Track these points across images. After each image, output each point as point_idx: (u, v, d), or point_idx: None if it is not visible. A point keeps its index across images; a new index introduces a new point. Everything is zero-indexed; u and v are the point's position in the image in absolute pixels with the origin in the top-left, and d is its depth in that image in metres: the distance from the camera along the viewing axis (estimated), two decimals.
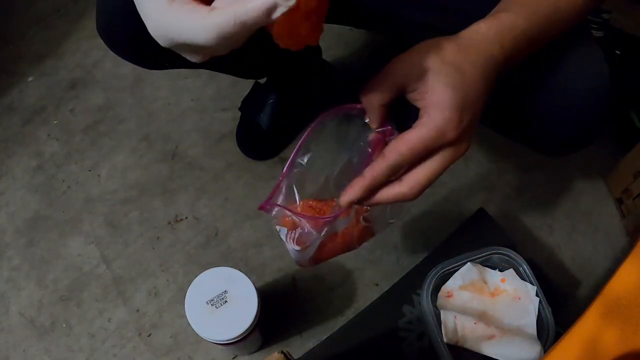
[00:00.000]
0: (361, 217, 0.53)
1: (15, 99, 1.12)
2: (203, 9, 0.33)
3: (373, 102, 0.44)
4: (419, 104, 0.43)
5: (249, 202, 0.99)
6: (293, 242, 0.51)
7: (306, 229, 0.50)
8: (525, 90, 0.60)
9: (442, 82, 0.42)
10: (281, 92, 1.00)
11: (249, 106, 1.02)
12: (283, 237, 0.52)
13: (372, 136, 0.46)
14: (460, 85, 0.43)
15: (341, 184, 0.48)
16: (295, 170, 0.48)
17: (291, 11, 0.32)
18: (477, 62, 0.44)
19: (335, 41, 1.14)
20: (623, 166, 0.97)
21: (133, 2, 0.37)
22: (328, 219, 0.48)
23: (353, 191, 0.45)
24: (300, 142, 0.47)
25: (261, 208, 0.48)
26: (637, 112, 1.00)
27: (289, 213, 0.49)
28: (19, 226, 0.99)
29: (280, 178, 0.48)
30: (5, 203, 1.01)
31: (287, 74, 0.97)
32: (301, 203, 0.50)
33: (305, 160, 0.48)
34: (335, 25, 0.89)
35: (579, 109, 0.59)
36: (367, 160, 0.45)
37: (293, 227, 0.50)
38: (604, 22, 1.02)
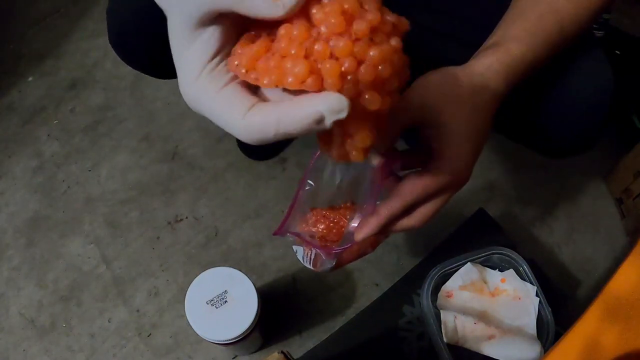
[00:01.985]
0: None
1: (15, 99, 1.12)
2: (244, 102, 0.29)
3: (388, 137, 0.44)
4: (433, 145, 0.44)
5: (249, 202, 0.99)
6: (309, 263, 0.53)
7: (321, 254, 0.51)
8: (530, 95, 0.60)
9: (462, 130, 0.43)
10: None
11: None
12: (299, 257, 0.53)
13: (377, 161, 0.44)
14: (476, 131, 0.44)
15: (354, 189, 0.49)
16: (306, 189, 0.48)
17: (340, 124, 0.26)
18: (490, 104, 0.45)
19: None
20: (623, 166, 0.97)
21: (143, 14, 0.35)
22: (339, 251, 0.49)
23: (369, 229, 0.46)
24: (309, 165, 0.48)
25: (275, 234, 0.49)
26: (637, 112, 1.00)
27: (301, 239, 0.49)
28: (19, 226, 0.99)
29: (292, 203, 0.49)
30: (5, 203, 1.01)
31: None
32: (314, 212, 0.50)
33: (314, 181, 0.48)
34: None
35: (583, 114, 0.59)
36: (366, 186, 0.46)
37: (309, 246, 0.51)
38: (604, 22, 1.02)
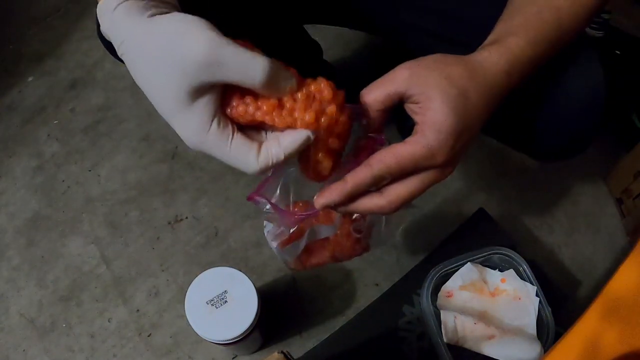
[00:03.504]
0: (351, 227, 0.52)
1: (15, 99, 1.12)
2: (252, 148, 0.40)
3: (372, 105, 0.43)
4: (416, 118, 0.43)
5: (249, 202, 0.99)
6: (272, 237, 0.50)
7: (280, 225, 0.48)
8: (521, 98, 0.60)
9: (446, 104, 0.41)
10: None
11: None
12: (265, 233, 0.51)
13: (362, 141, 0.45)
14: (463, 112, 0.42)
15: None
16: (291, 169, 0.46)
17: (310, 154, 0.42)
18: (484, 91, 0.43)
19: (335, 41, 1.14)
20: (623, 166, 0.97)
21: None
22: (300, 216, 0.47)
23: (330, 194, 0.43)
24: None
25: (249, 199, 0.47)
26: (637, 112, 1.00)
27: (267, 206, 0.47)
28: (19, 226, 0.99)
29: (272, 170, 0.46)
30: (5, 203, 1.01)
31: None
32: (293, 204, 0.49)
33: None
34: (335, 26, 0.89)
35: (574, 118, 0.59)
36: (350, 165, 0.44)
37: (274, 209, 0.48)
38: (604, 22, 1.02)
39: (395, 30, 0.73)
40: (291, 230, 0.48)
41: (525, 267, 0.79)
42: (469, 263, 0.80)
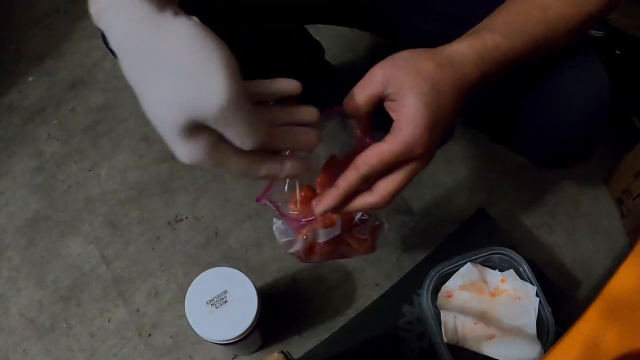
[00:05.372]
0: (354, 230, 0.56)
1: (15, 99, 1.12)
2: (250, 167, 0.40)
3: (356, 111, 0.46)
4: (393, 115, 0.45)
5: (249, 202, 0.99)
6: (279, 233, 0.54)
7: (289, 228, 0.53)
8: (526, 105, 0.61)
9: (418, 99, 0.43)
10: None
11: None
12: (274, 229, 0.55)
13: (353, 146, 0.48)
14: (435, 104, 0.44)
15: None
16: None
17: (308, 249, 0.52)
18: (454, 83, 0.45)
19: (336, 41, 1.14)
20: (623, 166, 0.97)
21: None
22: (303, 223, 0.51)
23: (326, 201, 0.46)
24: None
25: (258, 200, 0.50)
26: (637, 112, 1.00)
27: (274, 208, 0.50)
28: (19, 226, 0.99)
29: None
30: (5, 203, 1.01)
31: (288, 75, 0.97)
32: (299, 188, 0.51)
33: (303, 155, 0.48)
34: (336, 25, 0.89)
35: (578, 128, 0.60)
36: (343, 171, 0.47)
37: (278, 213, 0.52)
38: (604, 22, 1.02)
39: (401, 33, 0.73)
40: (295, 235, 0.53)
41: (525, 267, 0.79)
42: (469, 263, 0.80)
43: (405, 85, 0.43)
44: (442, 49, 0.47)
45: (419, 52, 0.46)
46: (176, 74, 0.33)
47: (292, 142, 0.41)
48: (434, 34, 0.65)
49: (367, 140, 0.47)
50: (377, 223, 0.56)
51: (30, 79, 1.14)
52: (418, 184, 1.00)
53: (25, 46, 1.18)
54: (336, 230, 0.54)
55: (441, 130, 0.45)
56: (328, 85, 1.06)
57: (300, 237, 0.53)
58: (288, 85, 0.43)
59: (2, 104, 1.11)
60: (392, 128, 0.45)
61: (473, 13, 0.60)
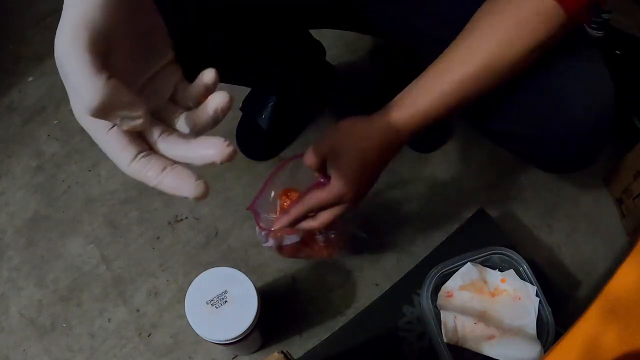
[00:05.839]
0: (316, 236, 0.74)
1: (15, 99, 1.12)
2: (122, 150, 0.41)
3: (312, 165, 0.63)
4: (331, 172, 0.61)
5: (249, 202, 0.99)
6: (259, 235, 0.73)
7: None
8: (532, 113, 0.61)
9: (349, 166, 0.60)
10: (282, 93, 0.99)
11: (250, 106, 1.02)
12: (257, 230, 0.73)
13: (315, 180, 0.66)
14: (362, 167, 0.60)
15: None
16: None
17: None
18: (380, 148, 0.60)
19: (336, 42, 1.14)
20: (623, 166, 0.97)
21: None
22: (275, 231, 0.70)
23: (281, 221, 0.67)
24: (266, 179, 0.72)
25: (247, 209, 0.73)
26: (637, 112, 1.00)
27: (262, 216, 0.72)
28: (19, 226, 0.99)
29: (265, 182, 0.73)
30: (5, 203, 1.01)
31: (289, 75, 0.97)
32: (282, 191, 0.73)
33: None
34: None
35: (584, 135, 0.60)
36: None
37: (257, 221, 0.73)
38: (604, 22, 1.02)
39: (405, 37, 0.73)
40: (269, 241, 0.72)
41: (525, 267, 0.79)
42: (469, 263, 0.80)
43: (341, 153, 0.60)
44: (372, 122, 0.60)
45: (357, 125, 0.60)
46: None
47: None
48: (434, 36, 0.65)
49: (321, 179, 0.64)
50: (332, 236, 0.74)
51: (30, 79, 1.14)
52: (418, 183, 1.00)
53: (25, 46, 1.18)
54: (297, 238, 0.72)
55: (366, 186, 0.63)
56: (328, 86, 1.07)
57: (272, 238, 0.72)
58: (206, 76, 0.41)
59: (2, 104, 1.11)
60: (330, 180, 0.61)
61: (468, 14, 0.60)
